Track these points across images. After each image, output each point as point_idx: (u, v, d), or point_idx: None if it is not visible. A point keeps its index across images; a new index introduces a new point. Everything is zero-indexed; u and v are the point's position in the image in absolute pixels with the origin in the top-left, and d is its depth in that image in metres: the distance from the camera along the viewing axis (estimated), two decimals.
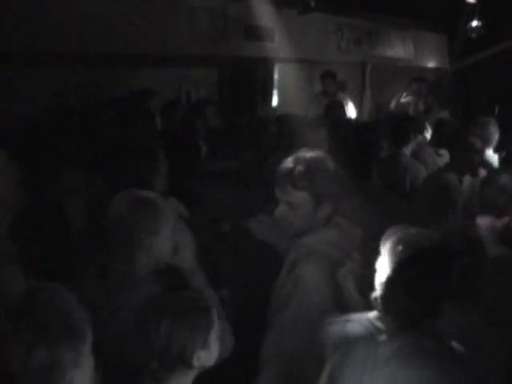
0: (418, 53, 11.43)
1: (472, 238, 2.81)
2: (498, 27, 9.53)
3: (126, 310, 2.36)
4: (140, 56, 6.82)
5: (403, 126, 5.39)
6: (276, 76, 9.03)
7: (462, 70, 11.10)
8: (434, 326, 2.18)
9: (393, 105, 8.79)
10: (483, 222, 3.13)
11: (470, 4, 8.38)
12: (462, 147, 4.77)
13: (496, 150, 5.59)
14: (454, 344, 2.17)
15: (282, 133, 4.86)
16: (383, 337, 2.15)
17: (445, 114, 7.62)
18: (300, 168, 2.63)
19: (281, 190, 2.69)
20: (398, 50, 11.01)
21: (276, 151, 4.34)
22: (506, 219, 3.08)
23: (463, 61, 11.07)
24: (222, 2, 7.82)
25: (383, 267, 2.22)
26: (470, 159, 4.70)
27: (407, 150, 5.28)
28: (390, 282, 2.18)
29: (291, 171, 2.64)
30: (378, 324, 2.23)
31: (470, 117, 6.79)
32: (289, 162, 2.68)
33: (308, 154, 2.70)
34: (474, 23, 9.32)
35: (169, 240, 2.67)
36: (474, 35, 9.48)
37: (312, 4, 7.81)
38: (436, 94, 8.72)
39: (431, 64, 11.58)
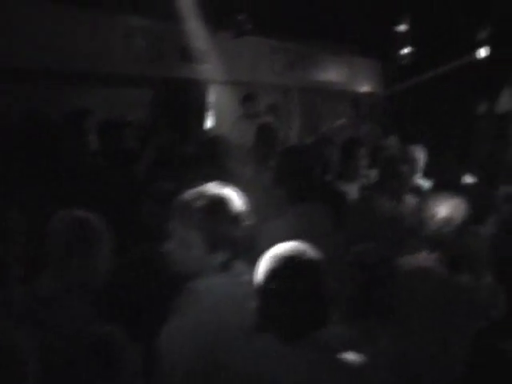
0: (351, 77, 11.73)
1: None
2: (430, 53, 9.92)
3: None
4: (74, 75, 6.83)
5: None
6: (211, 98, 9.14)
7: (396, 95, 11.44)
8: (321, 337, 2.19)
9: (326, 129, 9.00)
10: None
11: (402, 31, 8.72)
12: (390, 174, 4.94)
13: (426, 175, 5.86)
14: (348, 355, 2.20)
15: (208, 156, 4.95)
16: None
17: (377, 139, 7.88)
18: (200, 204, 2.41)
19: (175, 223, 2.46)
20: (332, 74, 11.27)
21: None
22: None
23: (396, 86, 11.41)
24: (159, 23, 7.91)
25: (258, 280, 2.23)
26: (397, 185, 4.87)
27: None
28: (263, 293, 2.20)
29: (189, 205, 2.42)
30: None
31: (402, 142, 7.07)
32: (190, 195, 2.46)
33: (215, 189, 2.47)
34: (407, 49, 9.70)
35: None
36: (406, 61, 9.86)
37: (247, 27, 7.96)
38: (369, 119, 8.99)
39: (365, 89, 11.88)
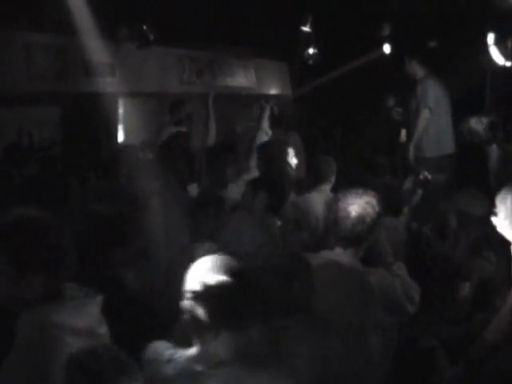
0: (260, 81, 11.91)
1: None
2: (333, 53, 10.21)
3: None
4: None
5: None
6: (121, 110, 9.12)
7: (303, 96, 11.68)
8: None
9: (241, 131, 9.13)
10: None
11: (306, 32, 8.94)
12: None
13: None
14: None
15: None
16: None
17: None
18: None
19: None
20: (240, 78, 11.41)
21: None
22: None
23: (303, 87, 11.66)
24: (60, 37, 7.83)
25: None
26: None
27: None
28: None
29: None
30: None
31: (313, 143, 7.28)
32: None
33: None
34: (311, 50, 9.96)
35: None
36: (311, 62, 10.11)
37: (151, 37, 7.97)
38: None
39: (273, 91, 12.07)
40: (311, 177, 6.04)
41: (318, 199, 5.50)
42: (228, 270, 2.38)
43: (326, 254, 3.43)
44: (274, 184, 4.73)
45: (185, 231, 4.25)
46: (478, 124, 6.26)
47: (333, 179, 5.83)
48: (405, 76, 8.29)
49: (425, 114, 7.68)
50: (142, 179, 4.73)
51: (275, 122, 7.91)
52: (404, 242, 4.23)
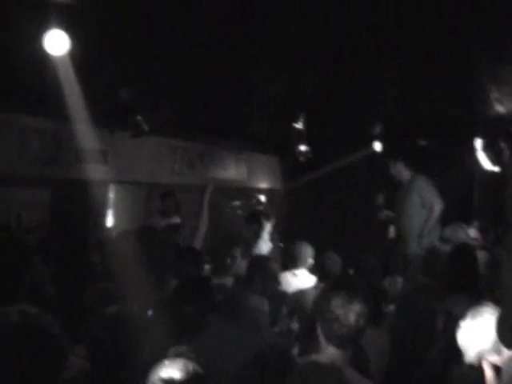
0: (251, 174, 12.00)
1: None
2: (324, 151, 10.35)
3: None
4: None
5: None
6: (111, 197, 9.12)
7: (294, 191, 11.75)
8: None
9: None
10: None
11: (298, 129, 9.08)
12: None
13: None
14: None
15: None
16: None
17: None
18: None
19: None
20: (232, 171, 11.50)
21: None
22: None
23: (294, 182, 11.74)
24: (54, 123, 7.91)
25: None
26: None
27: None
28: None
29: None
30: None
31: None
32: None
33: None
34: (303, 147, 10.08)
35: None
36: (302, 159, 10.22)
37: (145, 128, 8.03)
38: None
39: (264, 185, 12.15)
40: (288, 261, 6.41)
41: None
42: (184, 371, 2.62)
43: (319, 357, 3.35)
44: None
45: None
46: (454, 231, 6.31)
47: (310, 262, 6.27)
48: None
49: (438, 209, 7.70)
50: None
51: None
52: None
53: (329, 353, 3.34)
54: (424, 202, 7.78)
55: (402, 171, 8.08)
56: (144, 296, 4.23)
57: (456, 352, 3.76)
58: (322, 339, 3.40)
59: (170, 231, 7.07)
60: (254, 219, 7.61)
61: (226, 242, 6.18)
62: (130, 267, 4.62)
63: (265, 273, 5.15)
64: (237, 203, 10.29)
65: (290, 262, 6.34)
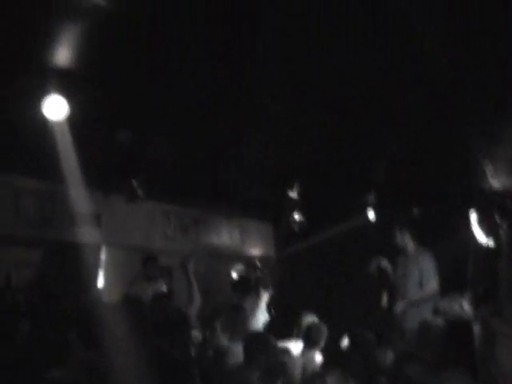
0: (244, 240, 11.94)
1: None
2: (317, 219, 10.35)
3: None
4: None
5: None
6: (102, 260, 9.07)
7: (287, 258, 11.69)
8: None
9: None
10: None
11: (292, 198, 9.11)
12: None
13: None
14: None
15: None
16: None
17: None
18: None
19: None
20: (225, 237, 11.44)
21: None
22: None
23: (287, 249, 11.70)
24: (49, 185, 7.92)
25: None
26: None
27: None
28: None
29: None
30: None
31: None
32: None
33: None
34: (296, 216, 10.07)
35: None
36: (296, 227, 10.21)
37: (139, 192, 8.04)
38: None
39: (257, 252, 12.07)
40: (304, 341, 6.27)
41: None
42: None
43: None
44: None
45: None
46: (448, 304, 6.27)
47: (322, 344, 6.20)
48: (389, 243, 8.35)
49: (432, 287, 7.67)
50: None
51: None
52: None
53: None
54: (421, 280, 7.76)
55: (407, 242, 8.07)
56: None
57: None
58: None
59: (157, 300, 6.93)
60: (252, 289, 7.55)
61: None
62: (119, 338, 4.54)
63: (267, 353, 5.04)
64: (238, 268, 10.20)
65: (305, 341, 6.27)
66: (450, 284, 7.64)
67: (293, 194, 8.92)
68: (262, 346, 5.08)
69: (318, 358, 6.07)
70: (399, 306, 7.92)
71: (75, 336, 4.89)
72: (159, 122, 6.00)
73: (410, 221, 8.49)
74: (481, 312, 6.00)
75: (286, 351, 5.91)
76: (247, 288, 8.25)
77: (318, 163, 7.85)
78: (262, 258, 11.22)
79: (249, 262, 10.13)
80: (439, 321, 6.06)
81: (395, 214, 9.38)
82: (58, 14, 3.75)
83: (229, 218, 11.39)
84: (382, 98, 5.48)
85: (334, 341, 6.45)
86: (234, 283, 8.70)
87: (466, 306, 6.25)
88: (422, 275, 7.77)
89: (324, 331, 6.22)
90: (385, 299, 9.26)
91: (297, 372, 5.55)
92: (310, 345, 6.12)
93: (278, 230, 11.90)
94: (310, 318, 6.77)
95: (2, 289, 7.22)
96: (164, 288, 8.24)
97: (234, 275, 9.72)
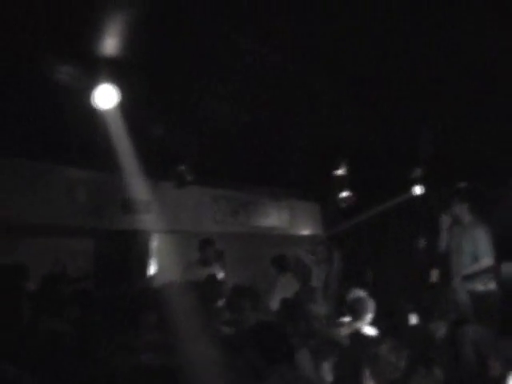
0: (292, 221, 12.02)
1: None
2: (365, 196, 10.34)
3: None
4: (14, 226, 6.86)
5: None
6: (154, 246, 9.21)
7: (336, 236, 11.72)
8: None
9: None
10: None
11: (340, 175, 9.10)
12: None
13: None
14: None
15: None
16: None
17: None
18: None
19: None
20: (274, 219, 11.54)
21: None
22: None
23: (336, 227, 11.72)
24: (100, 174, 8.08)
25: None
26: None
27: None
28: None
29: None
30: None
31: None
32: None
33: None
34: (344, 193, 10.09)
35: None
36: (344, 205, 10.22)
37: (188, 178, 8.14)
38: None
39: (306, 232, 12.14)
40: (350, 314, 6.34)
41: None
42: None
43: None
44: None
45: None
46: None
47: (369, 317, 6.16)
48: (437, 218, 8.30)
49: (487, 263, 7.61)
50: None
51: None
52: None
53: None
54: (477, 254, 7.68)
55: (465, 214, 7.96)
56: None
57: None
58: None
59: (210, 283, 7.04)
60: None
61: None
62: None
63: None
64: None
65: (351, 314, 6.33)
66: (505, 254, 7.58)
67: (340, 172, 8.91)
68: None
69: (368, 331, 6.09)
70: (453, 280, 7.88)
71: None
72: (208, 106, 6.06)
73: (470, 192, 8.38)
74: None
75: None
76: (283, 265, 8.41)
77: (364, 140, 7.83)
78: (310, 238, 11.28)
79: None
80: (494, 289, 6.05)
81: (447, 188, 9.32)
82: (107, 1, 3.83)
83: (277, 199, 11.46)
84: (428, 72, 5.44)
85: (384, 316, 6.49)
86: (272, 259, 8.80)
87: None
88: (478, 248, 7.68)
89: (370, 305, 6.23)
90: (436, 273, 9.23)
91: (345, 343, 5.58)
92: (355, 317, 6.16)
93: (326, 208, 11.93)
94: (357, 294, 6.80)
95: (58, 278, 7.40)
96: (220, 272, 8.35)
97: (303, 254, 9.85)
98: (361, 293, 6.63)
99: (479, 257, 7.62)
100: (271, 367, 3.79)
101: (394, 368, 3.30)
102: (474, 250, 7.68)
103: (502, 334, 5.04)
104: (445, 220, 8.04)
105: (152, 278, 9.17)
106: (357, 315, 6.15)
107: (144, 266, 9.21)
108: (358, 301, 6.27)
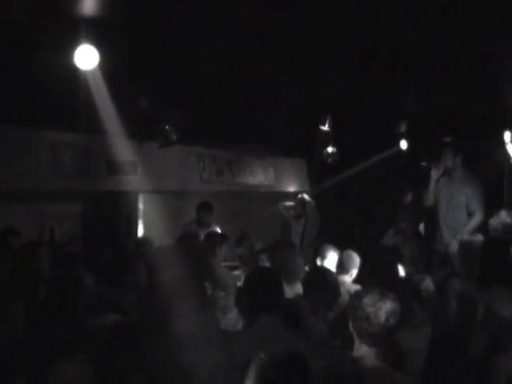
0: (278, 178, 12.04)
1: None
2: (350, 152, 10.36)
3: None
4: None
5: None
6: (141, 207, 9.22)
7: (321, 193, 11.77)
8: None
9: None
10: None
11: (324, 132, 9.10)
12: None
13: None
14: None
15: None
16: None
17: None
18: None
19: None
20: (260, 176, 11.56)
21: None
22: None
23: (321, 183, 11.76)
24: (84, 137, 8.02)
25: None
26: None
27: None
28: None
29: None
30: None
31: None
32: None
33: None
34: (329, 149, 10.12)
35: None
36: (329, 160, 10.25)
37: (173, 137, 8.11)
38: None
39: (292, 188, 12.18)
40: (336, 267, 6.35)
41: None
42: None
43: (352, 354, 3.38)
44: None
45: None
46: (509, 218, 6.27)
47: (354, 272, 6.21)
48: (421, 171, 8.34)
49: (480, 218, 7.67)
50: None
51: None
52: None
53: (361, 351, 3.37)
54: (470, 209, 7.73)
55: (457, 167, 7.99)
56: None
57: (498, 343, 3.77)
58: (355, 337, 3.43)
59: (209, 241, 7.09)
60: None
61: None
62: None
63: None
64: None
65: (337, 268, 6.36)
66: (489, 204, 7.64)
67: (324, 128, 8.90)
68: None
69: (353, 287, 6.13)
70: (443, 233, 7.96)
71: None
72: (191, 65, 5.99)
73: (462, 145, 8.39)
74: None
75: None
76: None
77: (348, 96, 7.80)
78: (296, 194, 11.32)
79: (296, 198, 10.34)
80: (479, 238, 6.11)
81: (432, 142, 9.34)
82: None
83: (262, 157, 11.46)
84: (410, 31, 5.40)
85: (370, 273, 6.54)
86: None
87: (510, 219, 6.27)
88: (471, 202, 7.74)
89: (356, 259, 6.25)
90: (422, 227, 9.33)
91: None
92: (340, 271, 6.19)
93: (311, 165, 11.95)
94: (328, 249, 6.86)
95: (47, 242, 7.40)
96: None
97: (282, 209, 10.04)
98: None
99: (472, 211, 7.67)
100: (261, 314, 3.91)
101: (372, 322, 3.31)
102: (468, 204, 7.74)
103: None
104: (435, 172, 8.08)
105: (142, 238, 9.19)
106: (343, 269, 6.19)
107: (132, 226, 9.22)
108: (345, 255, 6.31)
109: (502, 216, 6.38)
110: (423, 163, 8.32)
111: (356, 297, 3.46)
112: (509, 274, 4.83)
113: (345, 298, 5.13)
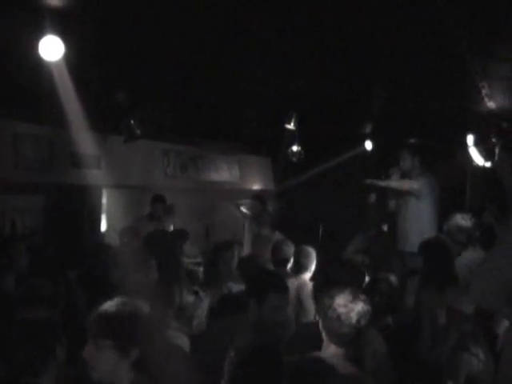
0: (243, 176, 12.06)
1: None
2: (315, 151, 10.42)
3: None
4: None
5: None
6: (104, 201, 9.16)
7: (285, 192, 11.82)
8: None
9: None
10: None
11: (290, 130, 9.13)
12: None
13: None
14: None
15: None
16: None
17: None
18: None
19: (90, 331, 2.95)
20: (224, 173, 11.56)
21: None
22: None
23: (286, 182, 11.81)
24: (47, 129, 7.94)
25: None
26: None
27: None
28: None
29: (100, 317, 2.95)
30: None
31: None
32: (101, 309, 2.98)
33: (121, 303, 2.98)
34: (295, 148, 10.17)
35: None
36: (294, 159, 10.30)
37: (138, 131, 8.06)
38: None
39: (256, 186, 12.20)
40: (293, 266, 6.33)
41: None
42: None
43: (320, 354, 3.40)
44: None
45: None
46: (464, 220, 6.37)
47: (312, 268, 6.18)
48: (385, 172, 8.43)
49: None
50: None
51: None
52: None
53: (330, 350, 3.39)
54: (422, 227, 7.82)
55: (415, 168, 8.07)
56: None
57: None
58: (323, 336, 3.45)
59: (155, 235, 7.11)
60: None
61: None
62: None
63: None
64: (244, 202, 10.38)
65: (295, 267, 6.35)
66: (451, 206, 7.75)
67: (290, 127, 8.94)
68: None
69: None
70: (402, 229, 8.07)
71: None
72: (158, 60, 5.97)
73: (421, 147, 8.49)
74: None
75: None
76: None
77: (314, 95, 7.84)
78: (261, 192, 11.34)
79: (254, 195, 10.28)
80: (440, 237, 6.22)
81: (396, 143, 9.44)
82: None
83: (227, 154, 11.46)
84: (378, 28, 5.44)
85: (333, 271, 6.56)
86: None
87: (464, 222, 6.38)
88: (422, 220, 7.87)
89: (312, 254, 6.25)
90: (385, 227, 9.42)
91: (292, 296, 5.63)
92: (300, 269, 6.18)
93: (276, 163, 11.99)
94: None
95: (8, 236, 7.32)
96: (168, 226, 8.40)
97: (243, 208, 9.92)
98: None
99: (424, 230, 7.73)
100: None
101: (343, 323, 3.34)
102: (420, 220, 7.86)
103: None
104: (395, 174, 8.16)
105: (102, 233, 9.15)
106: (301, 266, 6.19)
107: (95, 221, 9.16)
108: (302, 251, 6.30)
109: (457, 218, 6.50)
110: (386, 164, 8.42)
111: (328, 297, 3.48)
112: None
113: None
